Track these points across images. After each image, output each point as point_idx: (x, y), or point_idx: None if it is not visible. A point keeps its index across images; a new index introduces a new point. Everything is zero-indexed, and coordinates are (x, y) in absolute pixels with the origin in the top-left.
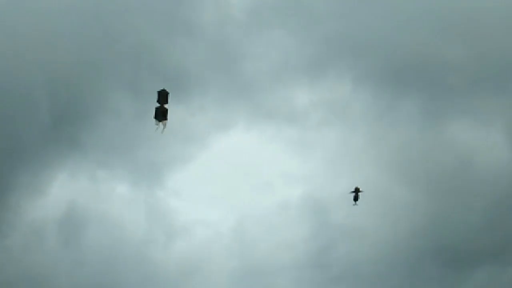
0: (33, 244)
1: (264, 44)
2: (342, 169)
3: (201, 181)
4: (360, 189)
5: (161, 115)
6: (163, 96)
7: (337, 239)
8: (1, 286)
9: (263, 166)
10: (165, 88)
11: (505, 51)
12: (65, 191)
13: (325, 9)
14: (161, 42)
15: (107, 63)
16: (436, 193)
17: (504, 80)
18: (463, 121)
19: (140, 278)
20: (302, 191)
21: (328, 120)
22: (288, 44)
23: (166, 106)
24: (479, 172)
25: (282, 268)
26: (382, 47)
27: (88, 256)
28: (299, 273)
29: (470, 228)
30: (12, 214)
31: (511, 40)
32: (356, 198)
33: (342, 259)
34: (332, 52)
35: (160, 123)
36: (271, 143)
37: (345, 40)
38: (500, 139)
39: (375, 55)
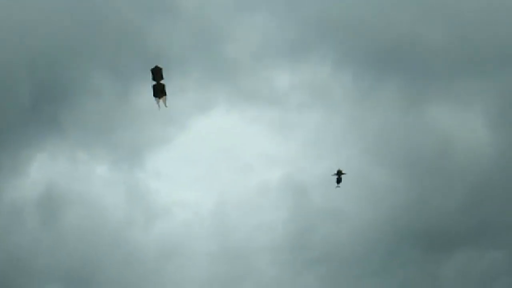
0: (12, 225)
1: (245, 26)
2: (323, 151)
3: (181, 162)
4: (343, 172)
5: (159, 91)
6: (157, 73)
7: (317, 222)
8: None
9: (243, 148)
10: (158, 65)
11: (485, 34)
12: (44, 171)
13: None
14: (142, 22)
15: (87, 43)
16: (416, 176)
17: (484, 64)
18: (443, 105)
19: (120, 259)
20: (282, 173)
21: (309, 103)
22: (269, 26)
23: (162, 82)
24: (459, 155)
25: (261, 250)
26: (362, 30)
27: (68, 237)
28: (279, 255)
29: (450, 211)
30: None
31: (492, 24)
32: (339, 181)
33: (322, 242)
34: (312, 34)
35: (160, 99)
36: (251, 125)
37: (326, 23)
38: (480, 123)
39: (355, 38)
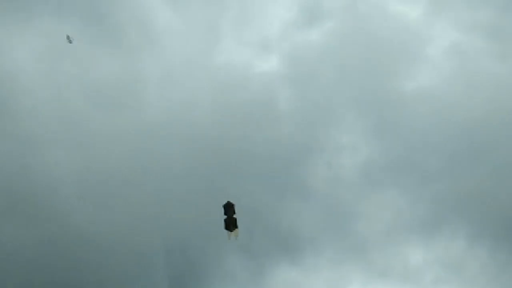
0: None
1: (376, 204)
2: None
3: None
4: None
5: (231, 225)
6: (229, 208)
7: None
8: None
9: None
10: (230, 201)
11: None
12: None
13: (437, 167)
14: (274, 204)
15: (221, 226)
16: None
17: None
18: None
19: None
20: None
21: (444, 278)
22: (400, 203)
23: (234, 216)
24: None
25: None
26: (497, 203)
27: None
28: None
29: None
30: None
31: None
32: None
33: None
34: (445, 209)
35: (232, 233)
36: None
37: (458, 197)
38: None
39: (490, 211)
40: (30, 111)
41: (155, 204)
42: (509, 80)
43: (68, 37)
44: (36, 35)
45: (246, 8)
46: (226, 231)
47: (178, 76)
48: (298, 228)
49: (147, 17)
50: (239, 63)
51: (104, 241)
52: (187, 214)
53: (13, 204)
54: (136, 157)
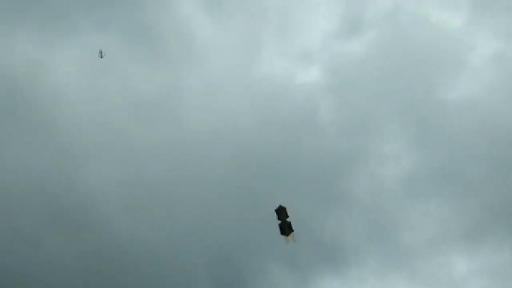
0: None
1: (420, 213)
2: None
3: None
4: None
5: (286, 229)
6: (281, 212)
7: None
8: None
9: None
10: (281, 204)
11: None
12: None
13: (481, 176)
14: (317, 214)
15: (265, 239)
16: None
17: None
18: None
19: None
20: None
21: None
22: (444, 213)
23: (288, 220)
24: None
25: None
26: None
27: None
28: None
29: None
30: None
31: None
32: None
33: None
34: (489, 219)
35: (288, 237)
36: None
37: (503, 206)
38: None
39: None
40: (73, 124)
41: (197, 214)
42: None
43: (100, 52)
44: (79, 49)
45: (287, 20)
46: (282, 236)
47: (219, 87)
48: (342, 238)
49: (189, 30)
50: (280, 74)
51: (147, 252)
52: (230, 224)
53: (58, 217)
54: (178, 168)
